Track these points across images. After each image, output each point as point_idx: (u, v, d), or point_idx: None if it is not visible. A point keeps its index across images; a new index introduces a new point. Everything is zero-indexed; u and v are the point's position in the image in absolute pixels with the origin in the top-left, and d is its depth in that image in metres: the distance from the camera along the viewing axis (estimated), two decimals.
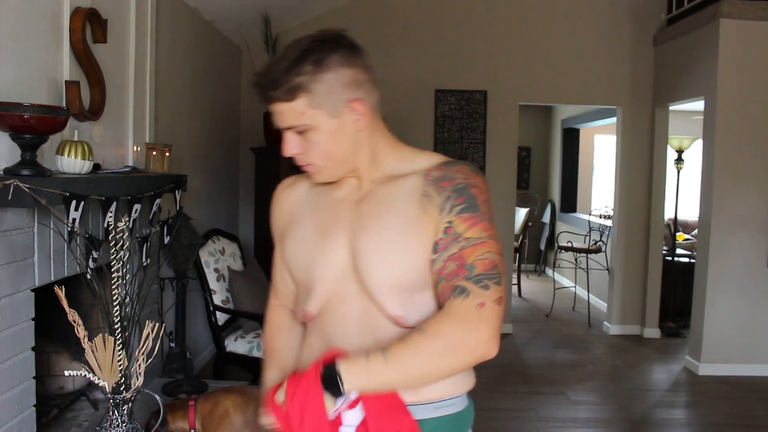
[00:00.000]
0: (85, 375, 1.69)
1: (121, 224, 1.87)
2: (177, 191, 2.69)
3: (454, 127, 5.27)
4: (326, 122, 1.06)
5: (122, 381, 1.73)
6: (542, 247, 8.54)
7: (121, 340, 1.75)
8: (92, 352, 1.68)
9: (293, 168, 1.39)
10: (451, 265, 1.02)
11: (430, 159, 1.14)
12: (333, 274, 1.13)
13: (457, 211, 1.04)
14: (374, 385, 1.00)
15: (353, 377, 0.98)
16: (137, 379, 1.72)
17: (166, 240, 2.63)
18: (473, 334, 0.98)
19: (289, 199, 1.27)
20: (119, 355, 1.72)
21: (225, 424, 2.01)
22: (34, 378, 1.90)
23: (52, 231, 1.94)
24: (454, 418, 1.19)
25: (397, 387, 1.04)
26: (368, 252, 1.09)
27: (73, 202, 1.75)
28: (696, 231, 5.32)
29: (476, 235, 1.03)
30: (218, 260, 3.58)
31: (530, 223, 8.05)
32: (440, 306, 1.05)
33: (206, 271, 3.47)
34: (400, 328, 1.09)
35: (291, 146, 1.09)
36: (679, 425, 3.67)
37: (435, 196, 1.06)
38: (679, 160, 5.82)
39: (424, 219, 1.06)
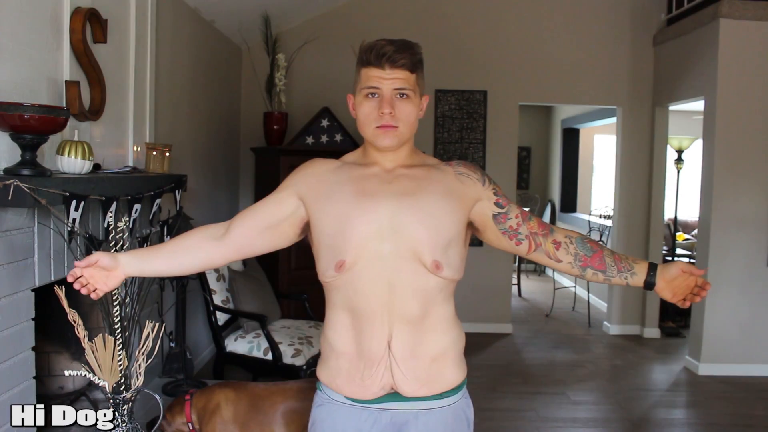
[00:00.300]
0: (85, 375, 1.69)
1: (121, 224, 1.87)
2: (177, 191, 2.69)
3: (454, 127, 5.27)
4: (415, 99, 1.36)
5: (122, 381, 1.73)
6: None
7: (121, 340, 1.76)
8: (92, 352, 1.68)
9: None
10: (532, 224, 1.40)
11: (432, 158, 1.48)
12: (371, 230, 1.32)
13: (494, 183, 1.42)
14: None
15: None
16: (137, 379, 1.72)
17: (166, 240, 2.63)
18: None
19: (322, 169, 1.43)
20: (119, 355, 1.72)
21: (216, 417, 2.03)
22: (34, 378, 1.90)
23: (52, 231, 1.94)
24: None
25: None
26: (413, 215, 1.32)
27: (73, 202, 1.75)
28: (696, 231, 5.32)
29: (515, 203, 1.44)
30: None
31: None
32: (543, 230, 1.42)
33: (206, 271, 3.47)
34: (422, 288, 1.33)
35: (391, 104, 1.33)
36: (679, 425, 3.67)
37: (471, 173, 1.41)
38: (679, 160, 5.83)
39: (462, 189, 1.38)
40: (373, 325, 1.33)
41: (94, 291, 1.35)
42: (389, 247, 1.31)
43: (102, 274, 1.35)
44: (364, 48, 1.34)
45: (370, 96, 1.34)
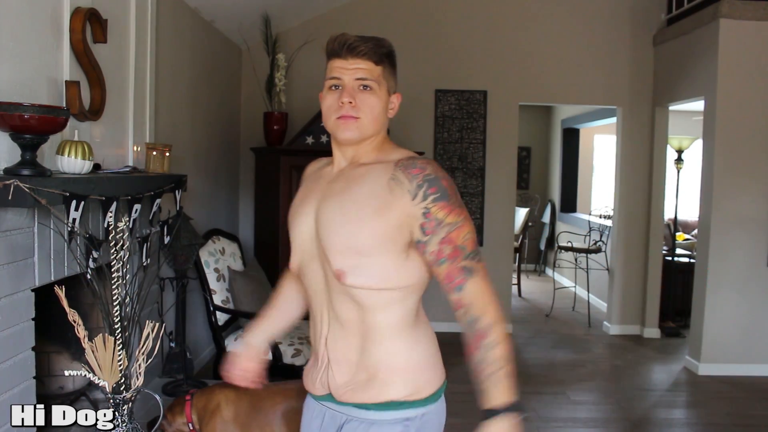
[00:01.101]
0: (85, 375, 1.69)
1: (121, 224, 1.87)
2: (177, 191, 2.69)
3: (454, 127, 5.27)
4: (383, 93, 1.32)
5: (122, 381, 1.73)
6: (542, 247, 8.54)
7: (121, 340, 1.76)
8: (92, 352, 1.68)
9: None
10: (447, 248, 1.21)
11: (403, 153, 1.32)
12: (303, 236, 1.35)
13: (432, 200, 1.21)
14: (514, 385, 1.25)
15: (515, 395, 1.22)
16: (137, 379, 1.72)
17: (166, 240, 2.63)
18: (496, 299, 1.24)
19: (310, 170, 1.48)
20: (119, 355, 1.72)
21: (216, 417, 2.03)
22: (34, 378, 1.90)
23: (52, 231, 1.94)
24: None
25: None
26: (326, 219, 1.28)
27: (73, 202, 1.75)
28: (696, 231, 5.32)
29: (454, 220, 1.22)
30: (218, 260, 3.58)
31: (530, 223, 8.06)
32: (449, 283, 1.23)
33: (206, 271, 3.47)
34: (351, 293, 1.27)
35: (351, 94, 1.28)
36: (679, 425, 3.67)
37: (405, 181, 1.23)
38: (679, 160, 5.82)
39: (388, 198, 1.23)
40: (317, 323, 1.37)
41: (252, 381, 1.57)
42: (317, 248, 1.32)
43: (249, 365, 1.56)
44: (329, 39, 1.30)
45: (333, 88, 1.30)
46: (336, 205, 1.28)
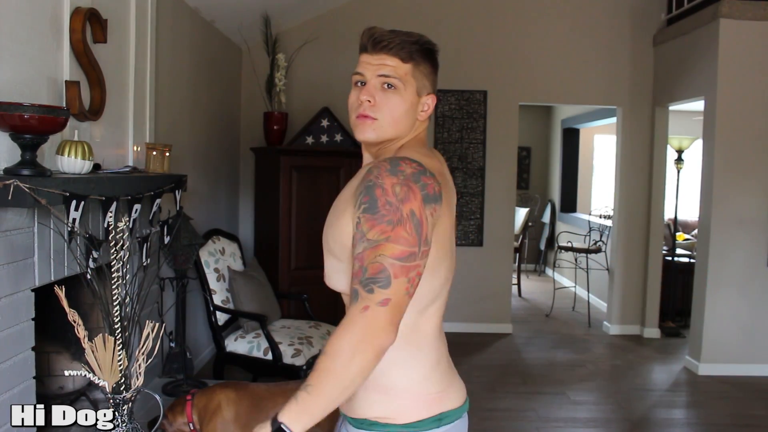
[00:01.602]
0: (85, 375, 1.69)
1: (121, 224, 1.87)
2: (177, 191, 2.69)
3: (454, 127, 5.27)
4: (409, 94, 1.21)
5: (122, 381, 1.73)
6: (542, 247, 8.54)
7: (121, 340, 1.76)
8: (92, 352, 1.68)
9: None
10: (356, 265, 1.08)
11: (408, 152, 1.20)
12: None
13: (362, 210, 1.09)
14: (317, 417, 1.05)
15: (296, 422, 1.03)
16: (137, 379, 1.72)
17: (166, 240, 2.63)
18: (361, 337, 1.03)
19: None
20: (119, 355, 1.72)
21: (217, 417, 2.03)
22: (34, 378, 1.90)
23: (52, 231, 1.94)
24: None
25: (335, 405, 1.07)
26: (325, 224, 1.23)
27: (73, 202, 1.75)
28: (696, 231, 5.32)
29: (375, 237, 1.06)
30: (218, 260, 3.58)
31: (530, 223, 8.05)
32: None
33: (206, 271, 3.47)
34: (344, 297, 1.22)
35: (371, 93, 1.19)
36: (679, 425, 3.67)
37: (360, 186, 1.12)
38: (679, 160, 5.82)
39: (351, 203, 1.14)
40: None
41: None
42: None
43: None
44: (362, 32, 1.23)
45: (357, 84, 1.22)
46: (333, 206, 1.24)
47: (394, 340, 1.06)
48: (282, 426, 1.03)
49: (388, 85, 1.19)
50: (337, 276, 1.21)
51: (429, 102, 1.26)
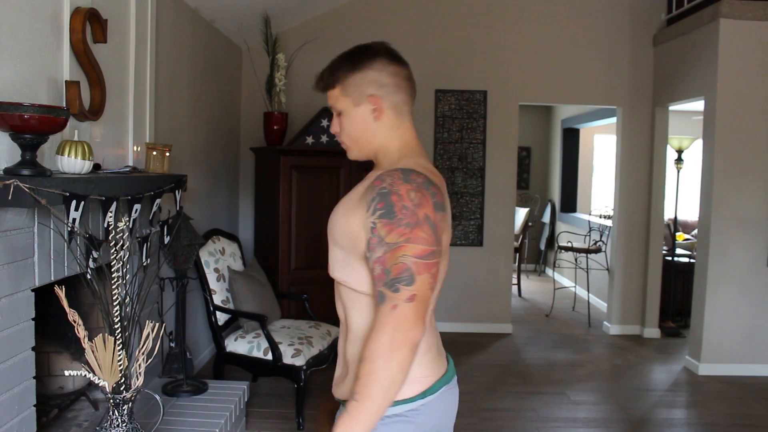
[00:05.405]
0: (85, 375, 1.69)
1: (121, 224, 1.87)
2: (177, 191, 2.69)
3: (454, 127, 5.27)
4: (351, 109, 1.31)
5: (122, 381, 1.73)
6: (542, 247, 8.54)
7: (121, 340, 1.76)
8: (92, 352, 1.68)
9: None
10: (377, 269, 1.15)
11: (404, 165, 1.26)
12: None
13: (378, 216, 1.16)
14: (369, 424, 1.13)
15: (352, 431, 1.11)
16: (137, 379, 1.72)
17: (166, 240, 2.63)
18: (394, 335, 1.11)
19: None
20: (119, 355, 1.72)
21: None
22: (34, 378, 1.90)
23: (52, 231, 1.94)
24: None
25: (383, 409, 1.14)
26: (332, 216, 1.31)
27: (73, 202, 1.75)
28: (696, 231, 5.32)
29: (394, 240, 1.14)
30: (218, 260, 3.58)
31: (530, 223, 8.05)
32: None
33: (206, 271, 3.47)
34: (338, 290, 1.30)
35: (334, 126, 1.36)
36: (679, 425, 3.67)
37: (369, 192, 1.20)
38: (679, 160, 5.83)
39: (359, 203, 1.22)
40: None
41: None
42: None
43: None
44: None
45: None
46: (339, 205, 1.33)
47: (424, 334, 1.14)
48: None
49: (339, 113, 1.34)
50: (340, 266, 1.28)
51: (371, 104, 1.31)
